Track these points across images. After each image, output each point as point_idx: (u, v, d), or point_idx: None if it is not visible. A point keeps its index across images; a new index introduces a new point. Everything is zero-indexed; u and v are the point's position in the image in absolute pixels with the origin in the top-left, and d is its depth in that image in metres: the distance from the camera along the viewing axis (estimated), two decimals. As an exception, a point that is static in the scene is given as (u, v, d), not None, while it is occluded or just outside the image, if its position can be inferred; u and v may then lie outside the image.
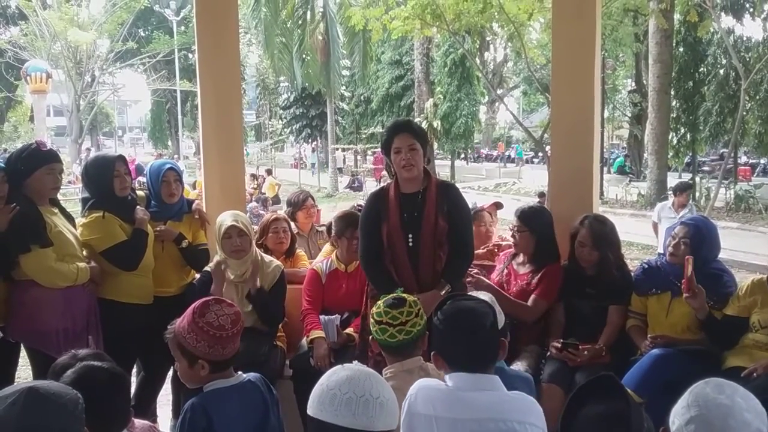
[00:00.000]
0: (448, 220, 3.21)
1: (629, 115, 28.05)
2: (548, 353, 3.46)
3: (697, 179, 18.66)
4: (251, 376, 2.41)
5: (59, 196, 3.64)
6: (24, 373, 3.77)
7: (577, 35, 4.03)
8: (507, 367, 2.79)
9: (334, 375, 1.79)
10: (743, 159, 27.44)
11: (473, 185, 25.16)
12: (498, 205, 4.67)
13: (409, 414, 2.06)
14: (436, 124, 25.02)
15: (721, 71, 19.71)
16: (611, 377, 1.80)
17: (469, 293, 2.80)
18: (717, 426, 1.53)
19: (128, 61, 33.36)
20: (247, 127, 41.81)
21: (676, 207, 8.45)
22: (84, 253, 3.52)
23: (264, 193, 16.82)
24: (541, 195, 11.46)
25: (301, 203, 5.07)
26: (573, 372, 3.32)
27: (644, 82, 23.45)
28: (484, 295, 2.64)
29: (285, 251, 4.24)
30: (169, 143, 43.67)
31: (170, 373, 3.80)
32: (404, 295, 2.52)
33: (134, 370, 3.85)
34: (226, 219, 3.61)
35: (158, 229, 3.73)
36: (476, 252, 3.83)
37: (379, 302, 2.50)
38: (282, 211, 5.48)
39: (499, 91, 33.34)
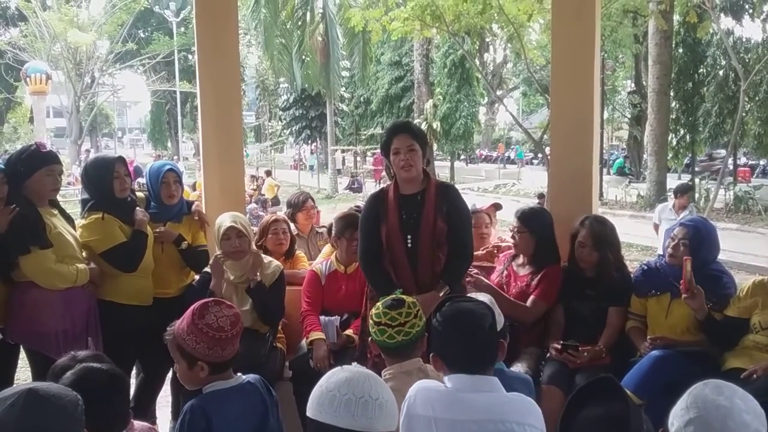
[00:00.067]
0: (447, 221, 3.21)
1: (629, 116, 28.09)
2: (548, 355, 3.46)
3: (696, 180, 18.65)
4: (251, 377, 2.41)
5: (59, 198, 3.64)
6: (23, 374, 3.77)
7: (577, 36, 4.03)
8: (506, 368, 2.79)
9: (333, 376, 1.79)
10: (743, 160, 27.46)
11: (473, 186, 25.17)
12: (497, 206, 4.67)
13: (408, 415, 2.06)
14: (436, 125, 25.06)
15: (721, 72, 19.74)
16: (611, 379, 1.80)
17: (468, 295, 2.79)
18: (716, 427, 1.53)
19: (128, 63, 33.36)
20: (247, 128, 41.81)
21: (677, 209, 8.43)
22: (83, 254, 3.52)
23: (263, 195, 16.82)
24: (541, 196, 11.46)
25: (301, 204, 5.08)
26: (573, 374, 3.31)
27: (644, 83, 23.48)
28: (483, 297, 2.63)
29: (284, 252, 4.24)
30: (169, 144, 43.67)
31: (170, 374, 3.80)
32: (403, 296, 2.53)
33: (133, 372, 3.84)
34: (225, 220, 3.62)
35: (158, 230, 3.73)
36: (475, 253, 3.83)
37: (378, 303, 2.50)
38: (282, 212, 5.48)
39: (498, 92, 33.33)
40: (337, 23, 24.56)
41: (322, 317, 3.69)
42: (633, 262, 6.97)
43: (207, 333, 2.23)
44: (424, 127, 22.72)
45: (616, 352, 3.40)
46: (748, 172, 24.16)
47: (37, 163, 3.36)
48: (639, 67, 25.41)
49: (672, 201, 8.89)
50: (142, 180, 6.84)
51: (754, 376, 2.87)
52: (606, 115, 26.29)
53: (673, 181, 18.53)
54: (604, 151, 25.69)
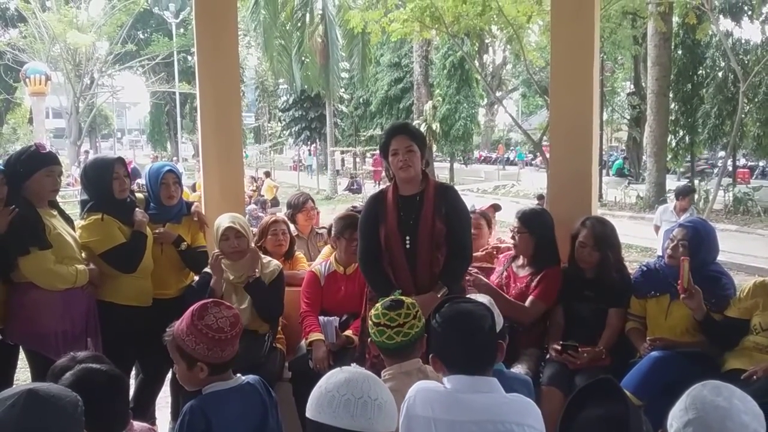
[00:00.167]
0: (446, 222, 3.21)
1: (628, 117, 28.10)
2: (548, 356, 3.46)
3: (696, 182, 18.66)
4: (250, 378, 2.41)
5: (58, 199, 3.64)
6: (23, 375, 3.77)
7: (576, 38, 4.04)
8: (506, 369, 2.80)
9: (332, 377, 1.79)
10: (742, 161, 27.49)
11: (472, 187, 25.18)
12: (496, 207, 4.67)
13: (407, 416, 2.07)
14: (435, 126, 25.08)
15: (720, 74, 19.77)
16: (610, 380, 1.81)
17: (468, 296, 2.80)
18: (715, 428, 1.53)
19: (127, 64, 33.34)
20: (246, 129, 41.86)
21: (678, 211, 8.38)
22: (83, 255, 3.52)
23: (263, 196, 16.83)
24: (540, 197, 11.47)
25: (301, 205, 5.08)
26: (572, 375, 3.31)
27: (643, 84, 23.50)
28: (482, 298, 2.64)
29: (284, 253, 4.24)
30: (168, 145, 43.66)
31: (169, 375, 3.81)
32: (402, 297, 2.53)
33: (133, 373, 3.84)
34: (223, 221, 3.62)
35: (157, 231, 3.73)
36: (474, 254, 3.83)
37: (377, 304, 2.50)
38: (281, 213, 5.48)
39: (498, 94, 33.39)
40: (336, 24, 24.56)
41: (320, 317, 3.69)
42: (632, 264, 6.97)
43: (206, 334, 2.23)
44: (423, 128, 22.74)
45: (615, 353, 3.40)
46: (747, 173, 24.19)
47: (37, 164, 3.36)
48: (638, 68, 25.44)
49: (673, 203, 8.87)
50: (141, 181, 6.83)
51: (755, 377, 2.87)
52: (605, 116, 26.29)
53: (672, 183, 18.59)
54: (604, 153, 25.71)
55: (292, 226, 4.69)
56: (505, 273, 3.76)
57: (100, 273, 3.53)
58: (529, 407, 2.11)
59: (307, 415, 1.77)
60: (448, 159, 29.77)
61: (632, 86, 28.18)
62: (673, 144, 20.34)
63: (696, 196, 16.04)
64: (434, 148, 26.25)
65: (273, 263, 3.77)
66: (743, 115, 16.96)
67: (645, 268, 3.56)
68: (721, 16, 18.17)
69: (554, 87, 4.31)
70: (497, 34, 21.99)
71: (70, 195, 16.95)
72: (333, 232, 3.93)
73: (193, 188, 10.45)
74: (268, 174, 19.54)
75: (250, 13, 24.29)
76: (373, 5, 15.07)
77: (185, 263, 3.84)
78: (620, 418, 1.66)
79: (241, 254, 3.59)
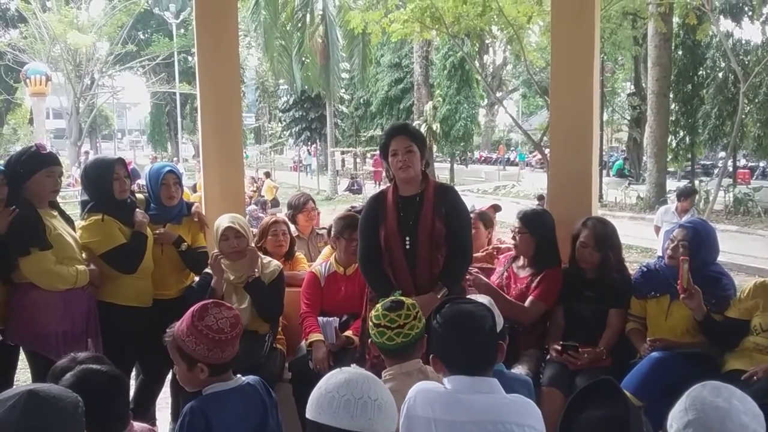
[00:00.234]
0: (446, 222, 3.21)
1: (628, 118, 28.12)
2: (548, 357, 3.46)
3: (696, 182, 18.67)
4: (250, 379, 2.41)
5: (58, 199, 3.64)
6: (23, 376, 3.77)
7: (576, 38, 4.04)
8: (506, 370, 2.80)
9: (332, 378, 1.79)
10: (742, 162, 27.50)
11: (472, 188, 25.18)
12: (496, 208, 4.67)
13: (407, 416, 2.07)
14: (436, 126, 25.10)
15: (720, 74, 19.79)
16: (610, 381, 1.80)
17: (468, 296, 2.80)
18: (715, 429, 1.53)
19: (128, 64, 33.32)
20: (247, 129, 41.87)
21: (679, 212, 8.35)
22: (83, 255, 3.52)
23: (263, 196, 16.83)
24: (540, 198, 11.47)
25: (301, 206, 5.08)
26: (573, 375, 3.31)
27: (643, 85, 23.50)
28: (482, 298, 2.64)
29: (284, 254, 4.24)
30: (169, 146, 43.67)
31: (169, 376, 3.81)
32: (402, 297, 2.53)
33: (133, 373, 3.84)
34: (223, 221, 3.63)
35: (157, 232, 3.73)
36: (474, 255, 3.83)
37: (377, 305, 2.50)
38: (282, 213, 5.48)
39: (498, 94, 33.39)
40: (336, 25, 24.57)
41: (320, 318, 3.69)
42: (633, 264, 6.98)
43: (207, 335, 2.23)
44: (423, 128, 22.76)
45: (616, 354, 3.40)
46: (747, 174, 24.19)
47: (37, 164, 3.36)
48: (638, 69, 25.45)
49: (674, 204, 8.85)
50: (141, 181, 6.83)
51: (755, 378, 2.87)
52: (605, 116, 26.29)
53: (673, 184, 18.60)
54: (604, 153, 25.70)
55: (292, 227, 4.69)
56: (505, 273, 3.76)
57: (101, 273, 3.53)
58: (530, 408, 2.11)
59: (307, 415, 1.78)
60: (449, 159, 29.77)
61: (632, 87, 28.20)
62: (674, 144, 20.35)
63: (696, 197, 16.06)
64: (434, 148, 26.27)
65: (273, 263, 3.78)
66: (743, 116, 16.98)
67: (645, 269, 3.56)
68: (721, 17, 18.19)
69: (554, 87, 4.31)
70: (497, 35, 22.02)
71: (71, 195, 16.95)
72: (332, 233, 3.94)
73: (194, 189, 10.45)
74: (268, 174, 19.54)
75: (250, 14, 24.30)
76: (374, 6, 15.07)
77: (185, 264, 3.84)
78: (620, 419, 1.66)
79: (240, 254, 3.59)
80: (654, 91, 18.10)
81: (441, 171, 28.00)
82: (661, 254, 4.15)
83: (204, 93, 4.43)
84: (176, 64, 31.18)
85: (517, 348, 3.42)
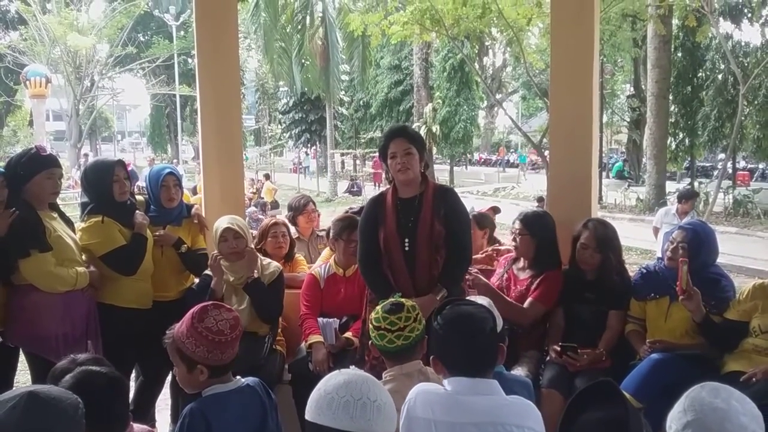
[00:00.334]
0: (445, 224, 3.21)
1: (628, 119, 28.15)
2: (548, 358, 3.45)
3: (696, 184, 18.68)
4: (250, 380, 2.41)
5: (58, 201, 3.64)
6: (23, 377, 3.77)
7: (576, 40, 4.04)
8: (505, 371, 2.80)
9: (331, 379, 1.80)
10: (742, 164, 27.50)
11: (472, 190, 25.19)
12: (495, 210, 4.67)
13: (408, 418, 2.07)
14: (435, 128, 25.11)
15: (720, 76, 19.79)
16: (610, 383, 1.81)
17: (468, 297, 2.80)
18: (714, 430, 1.53)
19: (127, 66, 33.34)
20: (247, 131, 41.83)
21: (680, 214, 8.35)
22: (83, 257, 3.52)
23: (263, 198, 16.83)
24: (540, 200, 11.48)
25: (302, 208, 5.08)
26: (573, 377, 3.31)
27: (643, 87, 23.54)
28: (482, 300, 2.64)
29: (284, 256, 4.24)
30: (169, 148, 43.66)
31: (169, 377, 3.81)
32: (402, 300, 2.53)
33: (133, 375, 3.84)
34: (222, 222, 3.64)
35: (157, 233, 3.74)
36: (474, 257, 3.83)
37: (377, 308, 2.51)
38: (282, 215, 5.49)
39: (498, 96, 33.41)
40: (336, 27, 24.60)
41: (320, 319, 3.69)
42: (632, 266, 6.98)
43: (206, 336, 2.23)
44: (423, 130, 22.79)
45: (615, 356, 3.40)
46: (747, 175, 24.21)
47: (37, 166, 3.36)
48: (638, 71, 25.48)
49: (675, 206, 8.85)
50: (141, 183, 6.84)
51: (754, 379, 2.88)
52: (605, 118, 26.31)
53: (672, 185, 18.60)
54: (603, 155, 25.73)
55: (292, 229, 4.69)
56: (505, 275, 3.76)
57: (101, 275, 3.53)
58: (529, 409, 2.11)
59: (307, 417, 1.78)
60: (448, 161, 29.78)
61: (632, 89, 28.23)
62: (673, 146, 20.35)
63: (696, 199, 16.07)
64: (434, 150, 26.27)
65: (273, 265, 3.78)
66: (743, 118, 16.97)
67: (645, 271, 3.56)
68: (720, 19, 18.18)
69: (554, 89, 4.31)
70: (497, 37, 22.03)
71: (71, 197, 16.96)
72: (331, 235, 3.94)
73: (194, 191, 10.45)
74: (267, 176, 19.55)
75: (250, 16, 24.33)
76: (374, 8, 15.10)
77: (185, 266, 3.84)
78: (620, 421, 1.66)
79: (239, 255, 3.60)
80: (653, 93, 18.11)
81: (441, 173, 28.00)
82: (660, 256, 4.15)
83: (204, 95, 4.43)
84: (176, 66, 31.17)
85: (516, 349, 3.42)
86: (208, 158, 4.45)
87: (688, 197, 8.72)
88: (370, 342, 2.52)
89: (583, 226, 3.55)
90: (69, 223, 3.57)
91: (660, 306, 3.39)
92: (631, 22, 20.24)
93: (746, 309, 3.18)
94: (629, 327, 3.49)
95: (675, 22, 17.94)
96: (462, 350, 2.11)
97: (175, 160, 34.81)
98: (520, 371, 3.28)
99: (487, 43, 30.28)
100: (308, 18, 24.87)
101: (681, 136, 20.50)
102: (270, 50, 24.82)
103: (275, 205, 16.06)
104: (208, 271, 3.69)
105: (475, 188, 26.36)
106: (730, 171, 21.32)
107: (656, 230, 8.83)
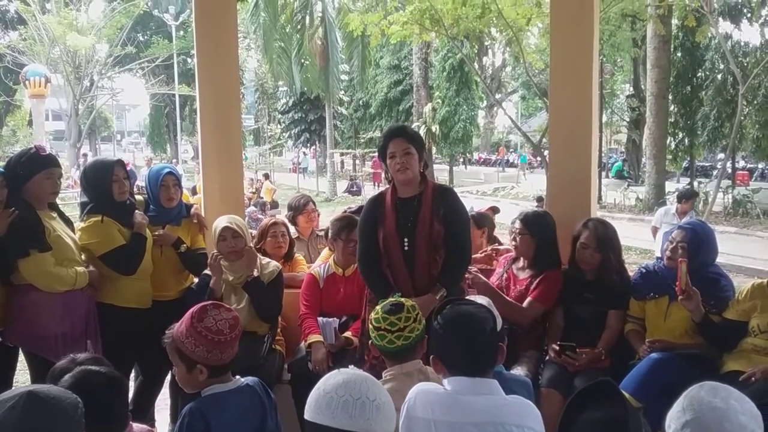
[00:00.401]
0: (444, 223, 3.21)
1: (627, 119, 28.17)
2: (547, 358, 3.46)
3: (695, 184, 18.68)
4: (249, 380, 2.41)
5: (58, 201, 3.64)
6: (22, 377, 3.77)
7: (575, 40, 4.04)
8: (505, 371, 2.80)
9: (330, 379, 1.80)
10: (741, 164, 27.52)
11: (471, 189, 25.19)
12: (494, 210, 4.67)
13: (407, 417, 2.07)
14: (435, 128, 25.13)
15: (719, 76, 19.79)
16: (609, 382, 1.81)
17: (468, 297, 2.80)
18: (713, 429, 1.53)
19: (127, 66, 33.35)
20: (246, 131, 41.81)
21: (679, 213, 8.34)
22: (83, 257, 3.52)
23: (262, 198, 16.83)
24: (540, 199, 11.48)
25: (302, 207, 5.08)
26: (572, 377, 3.31)
27: (642, 86, 23.55)
28: (481, 299, 2.64)
29: (283, 255, 4.24)
30: (168, 147, 43.65)
31: (168, 377, 3.81)
32: (402, 300, 2.53)
33: (132, 375, 3.84)
34: (221, 222, 3.65)
35: (157, 233, 3.74)
36: (474, 256, 3.83)
37: (377, 308, 2.51)
38: (281, 215, 5.48)
39: (497, 96, 33.42)
40: (336, 27, 24.59)
41: (319, 318, 3.69)
42: (632, 266, 6.98)
43: (206, 336, 2.23)
44: (423, 130, 22.80)
45: (615, 355, 3.40)
46: (746, 175, 24.23)
47: (37, 166, 3.36)
48: (637, 70, 25.48)
49: (674, 205, 8.85)
50: (141, 183, 6.84)
51: (753, 378, 2.88)
52: (605, 118, 26.33)
53: (672, 185, 18.60)
54: (603, 155, 25.77)
55: (292, 228, 4.69)
56: (505, 275, 3.76)
57: (100, 275, 3.53)
58: (529, 409, 2.11)
59: (306, 416, 1.78)
60: (448, 161, 29.78)
61: (631, 88, 28.24)
62: (673, 146, 20.36)
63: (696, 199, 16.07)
64: (434, 150, 26.28)
65: (272, 264, 3.78)
66: (742, 118, 16.97)
67: (644, 270, 3.56)
68: (720, 19, 18.19)
69: (554, 89, 4.31)
70: (497, 37, 22.03)
71: (70, 197, 16.96)
72: (330, 235, 3.94)
73: (194, 191, 10.46)
74: (266, 176, 19.56)
75: (250, 16, 24.32)
76: (373, 8, 15.09)
77: (185, 265, 3.84)
78: (619, 420, 1.67)
79: (238, 254, 3.60)
80: (653, 93, 18.11)
81: (440, 172, 28.00)
82: (660, 256, 4.16)
83: (203, 95, 4.43)
84: (175, 65, 31.18)
85: (516, 349, 3.42)
86: (208, 158, 4.45)
87: (687, 197, 8.71)
88: (369, 341, 2.52)
89: (583, 226, 3.55)
90: (68, 222, 3.58)
91: (659, 306, 3.39)
92: (631, 22, 20.24)
93: (745, 309, 3.18)
94: (628, 327, 3.49)
95: (674, 22, 17.93)
96: (462, 350, 2.11)
97: (174, 160, 34.82)
98: (519, 371, 3.28)
99: (486, 43, 30.30)
100: (308, 18, 24.86)
101: (680, 135, 20.51)
102: (269, 50, 24.80)
103: (275, 204, 16.06)
104: (207, 271, 3.69)
105: (475, 188, 26.36)
106: (730, 171, 21.33)
107: (655, 230, 8.82)
